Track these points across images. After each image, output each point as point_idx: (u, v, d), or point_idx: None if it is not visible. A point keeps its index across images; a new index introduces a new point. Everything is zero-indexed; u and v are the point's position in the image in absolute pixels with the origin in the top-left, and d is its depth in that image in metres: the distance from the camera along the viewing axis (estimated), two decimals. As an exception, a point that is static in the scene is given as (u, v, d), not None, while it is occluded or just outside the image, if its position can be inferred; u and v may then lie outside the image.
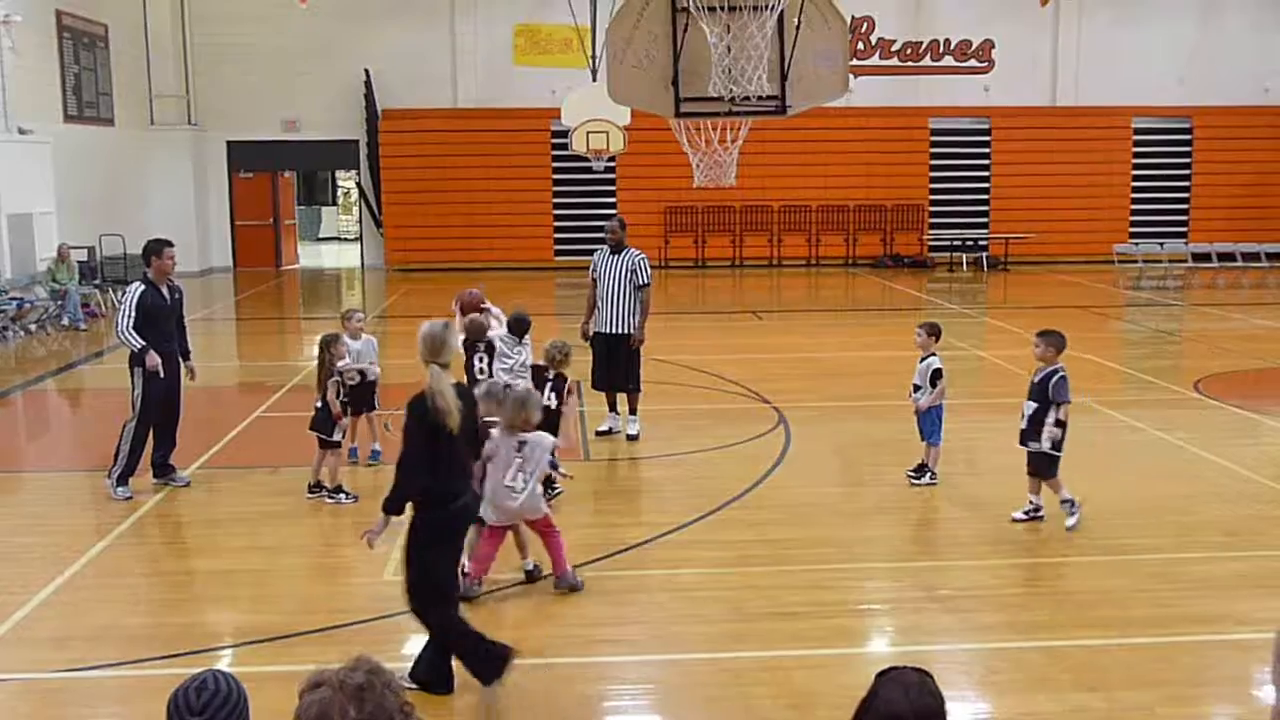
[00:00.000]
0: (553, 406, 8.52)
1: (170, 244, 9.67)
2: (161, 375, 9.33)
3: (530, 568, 7.41)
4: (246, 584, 7.53)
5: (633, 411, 11.19)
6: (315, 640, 6.51)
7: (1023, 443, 8.52)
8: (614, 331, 11.01)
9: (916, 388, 9.51)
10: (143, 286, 9.38)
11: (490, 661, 5.80)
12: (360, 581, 7.54)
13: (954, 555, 8.03)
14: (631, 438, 11.08)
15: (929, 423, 9.46)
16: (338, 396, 9.31)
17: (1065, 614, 6.91)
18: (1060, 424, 8.33)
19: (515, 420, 6.99)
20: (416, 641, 6.80)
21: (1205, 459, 10.29)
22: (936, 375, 9.39)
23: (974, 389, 14.27)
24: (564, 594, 7.18)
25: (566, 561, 7.26)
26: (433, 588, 5.83)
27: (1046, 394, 8.36)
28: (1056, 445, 8.35)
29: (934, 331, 9.61)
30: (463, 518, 6.00)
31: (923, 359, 9.53)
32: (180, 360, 9.73)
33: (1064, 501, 8.41)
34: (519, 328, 9.64)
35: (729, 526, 8.60)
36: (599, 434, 11.24)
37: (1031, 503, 8.56)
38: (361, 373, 9.97)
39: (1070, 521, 8.34)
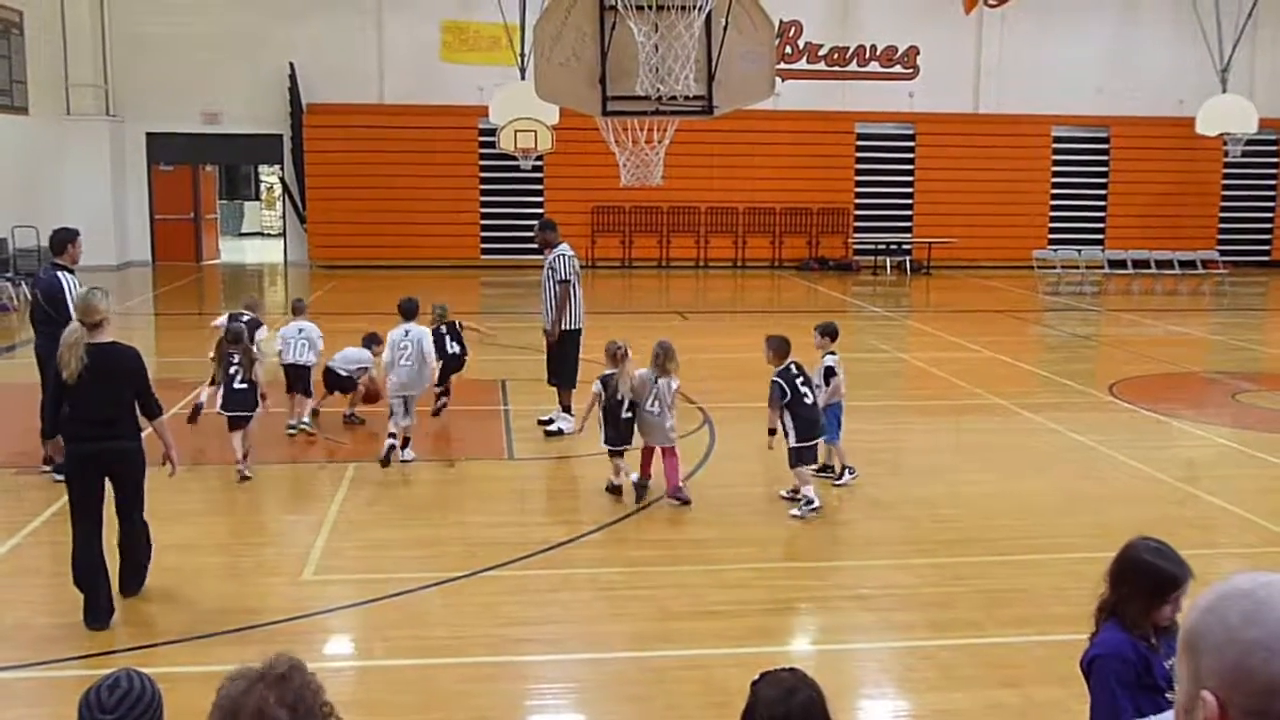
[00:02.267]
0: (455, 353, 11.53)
1: (77, 233, 9.71)
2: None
3: (636, 480, 9.17)
4: (160, 583, 7.37)
5: (564, 408, 11.21)
6: (232, 640, 6.40)
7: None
8: (545, 327, 11.20)
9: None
10: (71, 275, 9.36)
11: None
12: (277, 581, 7.43)
13: (874, 554, 8.12)
14: (550, 434, 11.10)
15: (827, 422, 9.44)
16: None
17: (982, 612, 7.02)
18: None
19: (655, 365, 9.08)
20: (337, 642, 6.73)
21: (1119, 461, 10.52)
22: (829, 374, 9.52)
23: (897, 391, 14.47)
24: (497, 592, 7.15)
25: (679, 477, 9.06)
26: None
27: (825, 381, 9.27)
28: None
29: (828, 332, 9.78)
30: (73, 460, 6.67)
31: (822, 358, 9.66)
32: None
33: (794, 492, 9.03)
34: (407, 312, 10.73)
35: (654, 525, 8.61)
36: (539, 422, 11.33)
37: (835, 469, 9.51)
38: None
39: (793, 512, 8.80)
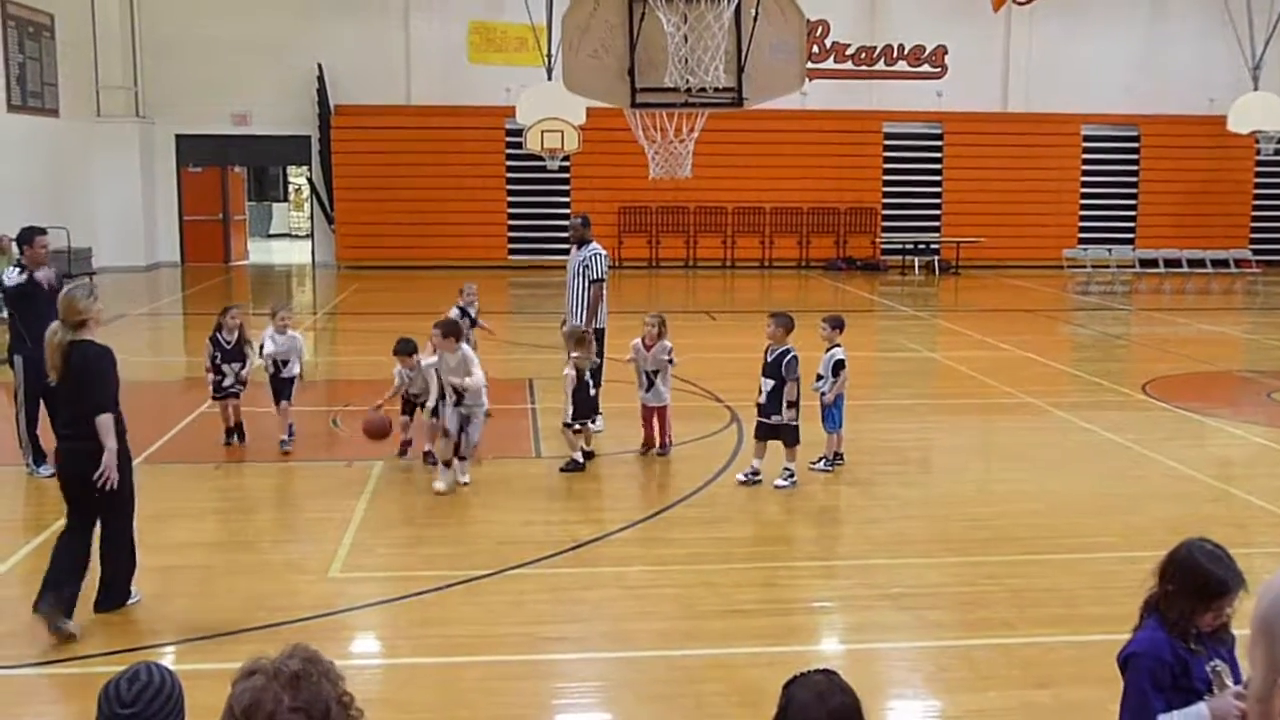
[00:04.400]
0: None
1: (42, 231, 9.70)
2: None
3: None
4: (188, 580, 7.37)
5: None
6: (258, 637, 6.37)
7: (765, 415, 9.39)
8: (571, 324, 11.11)
9: (819, 377, 9.82)
10: (21, 274, 9.40)
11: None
12: (304, 578, 7.40)
13: (905, 553, 8.02)
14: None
15: (831, 412, 9.82)
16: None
17: (1015, 611, 6.92)
18: (792, 403, 9.26)
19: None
20: (363, 639, 6.70)
21: (1153, 459, 10.38)
22: (839, 366, 9.74)
23: (926, 390, 14.35)
24: (523, 591, 7.11)
25: (667, 437, 10.31)
26: None
27: (780, 372, 9.21)
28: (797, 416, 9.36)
29: (837, 324, 9.94)
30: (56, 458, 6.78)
31: (827, 350, 9.82)
32: None
33: (785, 468, 9.33)
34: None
35: (680, 524, 8.54)
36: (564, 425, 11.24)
37: (754, 466, 9.45)
38: (278, 364, 10.51)
39: (781, 482, 9.27)
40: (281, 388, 10.59)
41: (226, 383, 10.45)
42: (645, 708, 5.81)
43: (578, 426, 9.99)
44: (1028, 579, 7.48)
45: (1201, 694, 3.65)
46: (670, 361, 10.33)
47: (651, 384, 10.27)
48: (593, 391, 10.26)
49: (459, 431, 9.25)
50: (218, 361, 10.40)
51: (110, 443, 6.40)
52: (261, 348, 10.58)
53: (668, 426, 10.44)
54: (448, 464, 9.27)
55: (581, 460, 9.89)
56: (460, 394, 9.12)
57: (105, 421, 6.34)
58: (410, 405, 10.23)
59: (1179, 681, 3.67)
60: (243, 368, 10.53)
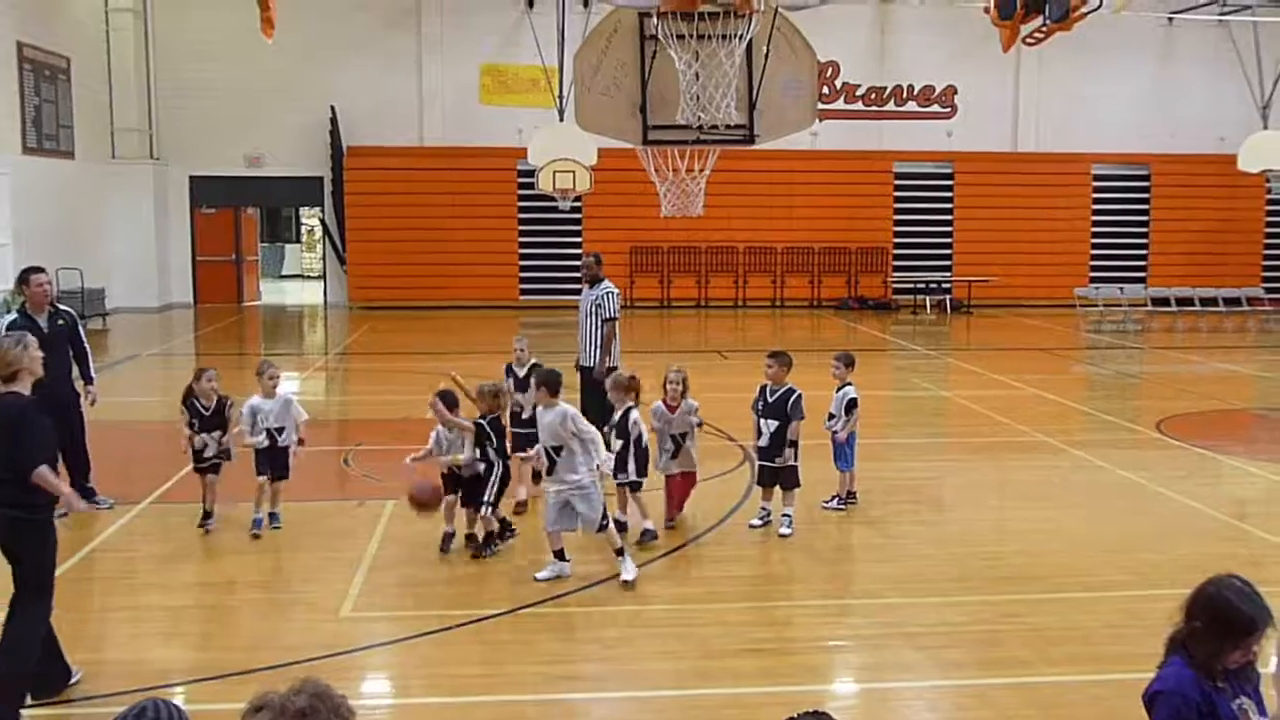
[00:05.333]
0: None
1: (40, 270, 9.54)
2: None
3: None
4: (197, 620, 7.33)
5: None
6: (269, 677, 6.31)
7: (768, 459, 9.10)
8: (584, 364, 11.05)
9: (831, 416, 9.77)
10: (14, 317, 9.33)
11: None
12: (315, 619, 7.35)
13: (922, 592, 7.93)
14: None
15: (844, 450, 9.75)
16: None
17: (1033, 650, 6.83)
18: (793, 442, 9.01)
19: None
20: (373, 681, 6.64)
21: (1169, 497, 10.29)
22: (852, 405, 9.68)
23: (939, 428, 14.28)
24: (537, 630, 7.04)
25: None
26: None
27: (785, 412, 8.95)
28: (797, 456, 9.07)
29: (849, 362, 9.88)
30: None
31: (839, 389, 9.76)
32: (80, 385, 9.72)
33: (785, 514, 9.03)
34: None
35: (695, 563, 8.48)
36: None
37: (764, 509, 9.23)
38: (272, 434, 9.09)
39: (785, 530, 8.95)
40: (276, 461, 9.09)
41: (208, 453, 9.07)
42: (659, 748, 5.73)
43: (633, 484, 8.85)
44: (1045, 617, 7.39)
45: None
46: (699, 424, 9.31)
47: (679, 448, 9.13)
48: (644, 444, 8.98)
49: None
50: (195, 429, 9.04)
51: (62, 488, 5.99)
52: (254, 419, 9.05)
53: (686, 498, 9.34)
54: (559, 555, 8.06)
55: (653, 528, 8.83)
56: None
57: (43, 473, 5.80)
58: (458, 482, 8.63)
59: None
60: (223, 434, 9.13)
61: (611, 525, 7.96)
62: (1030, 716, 6.00)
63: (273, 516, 9.20)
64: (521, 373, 9.78)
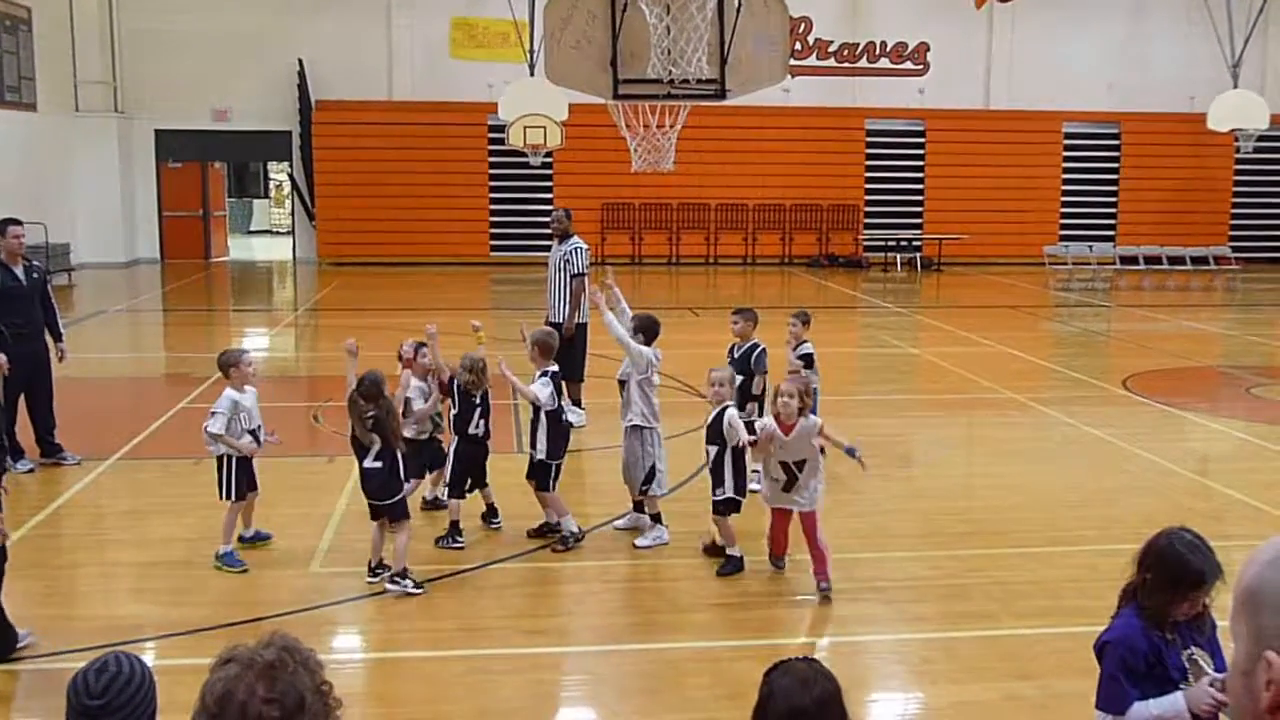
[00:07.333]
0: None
1: (17, 221, 9.42)
2: (5, 365, 8.54)
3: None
4: (167, 576, 7.31)
5: (574, 401, 11.12)
6: (239, 633, 6.31)
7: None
8: (552, 320, 11.03)
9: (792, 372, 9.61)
10: None
11: None
12: (285, 573, 7.36)
13: (888, 546, 8.02)
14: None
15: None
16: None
17: (998, 604, 6.93)
18: (757, 397, 8.77)
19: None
20: (345, 634, 6.66)
21: (1133, 453, 10.41)
22: (811, 360, 9.53)
23: (908, 385, 14.36)
24: (507, 584, 7.08)
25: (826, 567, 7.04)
26: None
27: (749, 366, 8.82)
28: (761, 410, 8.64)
29: (806, 320, 9.75)
30: None
31: (796, 346, 9.62)
32: (48, 339, 9.61)
33: (754, 470, 8.11)
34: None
35: (664, 518, 8.51)
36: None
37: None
38: (255, 436, 7.68)
39: (755, 486, 7.91)
40: (251, 468, 7.71)
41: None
42: (629, 701, 5.79)
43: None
44: (1010, 572, 7.50)
45: (1178, 683, 3.65)
46: (822, 451, 7.18)
47: (794, 480, 7.04)
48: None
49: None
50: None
51: None
52: (236, 415, 7.52)
53: (821, 543, 7.06)
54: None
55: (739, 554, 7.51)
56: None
57: None
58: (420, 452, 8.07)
59: (1154, 670, 3.67)
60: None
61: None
62: (995, 668, 6.10)
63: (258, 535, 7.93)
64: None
